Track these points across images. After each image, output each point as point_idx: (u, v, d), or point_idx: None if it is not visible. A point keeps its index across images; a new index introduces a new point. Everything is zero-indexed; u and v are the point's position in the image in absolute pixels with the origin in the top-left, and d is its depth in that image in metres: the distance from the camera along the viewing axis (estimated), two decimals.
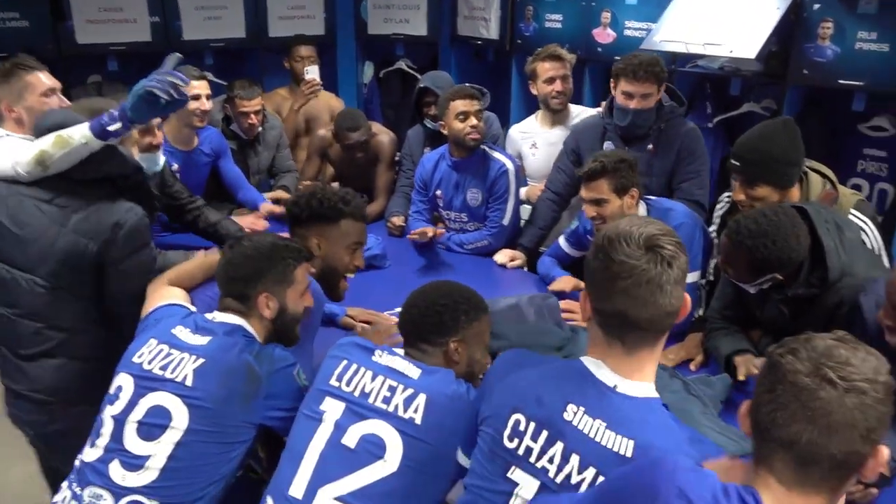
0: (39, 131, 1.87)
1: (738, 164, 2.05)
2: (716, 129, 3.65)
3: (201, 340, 1.62)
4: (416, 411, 1.45)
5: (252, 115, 3.33)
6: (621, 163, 2.28)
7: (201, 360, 1.58)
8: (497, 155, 2.96)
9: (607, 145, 2.77)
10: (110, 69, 4.05)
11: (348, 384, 1.52)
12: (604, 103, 2.87)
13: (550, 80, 3.09)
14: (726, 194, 2.33)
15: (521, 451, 1.22)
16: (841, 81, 2.97)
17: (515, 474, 1.22)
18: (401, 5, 4.76)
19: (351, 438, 1.46)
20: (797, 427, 0.93)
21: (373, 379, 1.52)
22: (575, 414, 1.19)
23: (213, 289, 1.82)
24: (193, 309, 1.77)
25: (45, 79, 2.17)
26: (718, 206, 2.42)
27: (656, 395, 1.21)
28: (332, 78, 4.69)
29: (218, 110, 3.41)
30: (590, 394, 1.20)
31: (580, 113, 3.21)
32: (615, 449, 1.14)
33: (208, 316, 1.70)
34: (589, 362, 1.23)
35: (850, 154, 3.32)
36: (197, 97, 2.94)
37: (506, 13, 4.35)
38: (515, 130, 3.34)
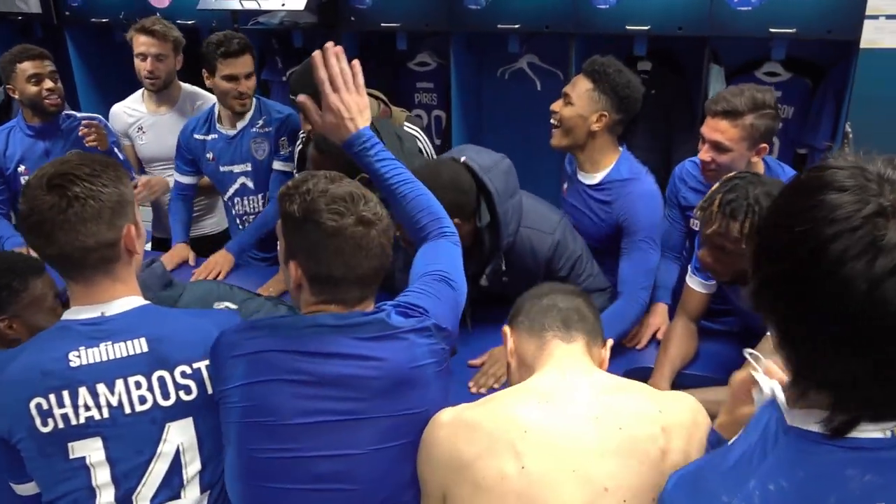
0: None
1: (295, 97, 2.21)
2: (289, 83, 3.84)
3: None
4: None
5: None
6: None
7: None
8: (83, 115, 2.76)
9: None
10: None
11: None
12: None
13: (142, 57, 2.72)
14: (302, 131, 2.51)
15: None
16: (383, 24, 3.37)
17: None
18: None
19: None
20: None
21: None
22: (77, 357, 1.24)
23: None
24: None
25: None
26: (296, 144, 2.59)
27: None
28: None
29: None
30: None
31: (197, 95, 2.92)
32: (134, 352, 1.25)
33: None
34: (71, 314, 1.29)
35: (406, 89, 3.79)
36: None
37: None
38: (119, 108, 2.94)
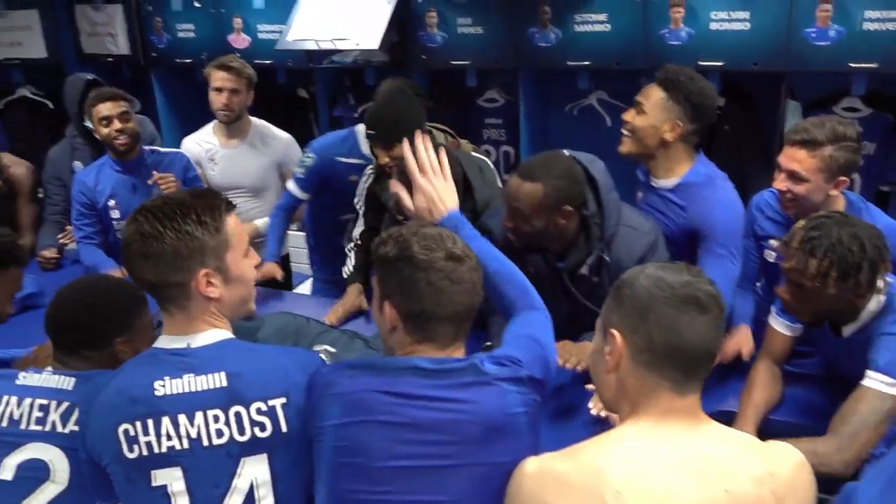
0: None
1: (373, 132, 2.28)
2: (362, 118, 3.93)
3: None
4: (75, 424, 1.40)
5: None
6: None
7: None
8: (167, 150, 2.91)
9: None
10: None
11: None
12: None
13: (218, 91, 2.88)
14: (370, 167, 2.57)
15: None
16: (452, 62, 3.44)
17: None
18: (8, 27, 4.30)
19: (7, 472, 1.38)
20: None
21: (19, 404, 1.43)
22: (163, 386, 1.27)
23: None
24: None
25: None
26: (363, 180, 2.65)
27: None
28: None
29: None
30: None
31: (267, 130, 3.06)
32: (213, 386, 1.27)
33: None
34: (161, 343, 1.33)
35: (474, 125, 3.83)
36: None
37: (133, 26, 4.18)
38: (190, 140, 3.11)
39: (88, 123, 2.78)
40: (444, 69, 3.50)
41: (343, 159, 2.72)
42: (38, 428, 1.40)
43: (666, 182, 2.08)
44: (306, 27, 3.51)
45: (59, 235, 3.02)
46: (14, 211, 3.08)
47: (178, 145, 3.22)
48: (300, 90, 4.16)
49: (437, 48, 3.43)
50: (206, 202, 1.31)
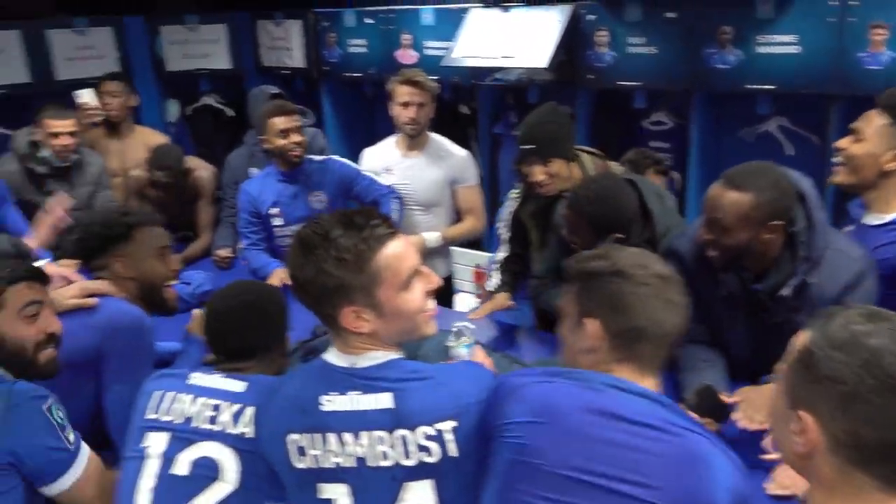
0: None
1: (532, 146, 2.25)
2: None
3: None
4: (246, 425, 1.43)
5: (64, 136, 3.08)
6: None
7: None
8: (336, 158, 3.03)
9: None
10: None
11: (168, 413, 1.47)
12: None
13: (404, 105, 2.90)
14: (513, 191, 2.53)
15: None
16: (620, 83, 3.33)
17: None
18: (198, 40, 4.65)
19: (182, 467, 1.42)
20: None
21: (193, 402, 1.47)
22: (329, 401, 1.27)
23: None
24: None
25: None
26: (508, 203, 2.61)
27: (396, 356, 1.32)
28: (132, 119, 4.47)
29: (24, 144, 3.14)
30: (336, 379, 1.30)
31: (444, 145, 3.05)
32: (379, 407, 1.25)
33: None
34: (330, 357, 1.32)
35: (638, 148, 3.68)
36: None
37: (308, 41, 4.39)
38: (371, 150, 3.15)
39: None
40: (612, 89, 3.40)
41: None
42: (210, 427, 1.44)
43: (879, 218, 1.89)
44: (473, 44, 3.53)
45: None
46: (195, 211, 3.30)
47: (341, 153, 3.33)
48: (461, 106, 4.19)
49: (606, 68, 3.34)
50: (352, 237, 1.24)
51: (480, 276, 2.85)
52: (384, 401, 1.25)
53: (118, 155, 3.64)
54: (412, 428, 1.24)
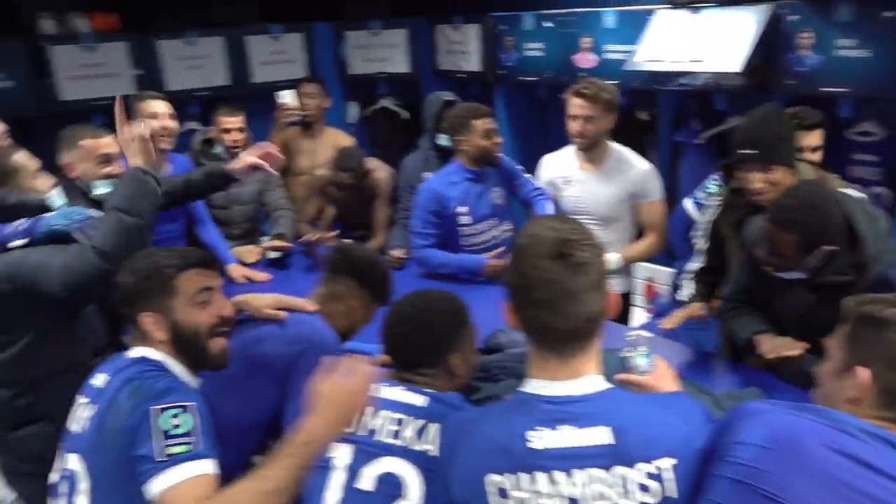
0: None
1: (754, 150, 2.06)
2: (706, 145, 3.69)
3: (99, 381, 1.48)
4: (429, 442, 1.39)
5: (233, 132, 3.29)
6: None
7: (94, 407, 1.44)
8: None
9: None
10: (97, 124, 4.01)
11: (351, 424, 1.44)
12: None
13: (573, 118, 2.79)
14: (704, 191, 2.39)
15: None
16: (824, 89, 3.03)
17: None
18: (379, 44, 4.81)
19: (366, 481, 1.40)
20: None
21: (375, 414, 1.45)
22: (539, 438, 1.15)
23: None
24: None
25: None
26: (706, 213, 2.44)
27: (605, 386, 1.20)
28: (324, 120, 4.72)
29: (199, 142, 3.40)
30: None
31: (626, 158, 2.92)
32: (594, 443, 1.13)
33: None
34: (533, 388, 1.20)
35: (838, 159, 3.35)
36: (154, 115, 2.90)
37: (486, 45, 4.40)
38: (550, 158, 3.11)
39: (443, 139, 2.97)
40: (813, 95, 3.10)
41: None
42: (393, 441, 1.42)
43: None
44: (659, 47, 3.37)
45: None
46: (372, 211, 3.40)
47: (515, 160, 3.29)
48: (639, 112, 4.02)
49: (808, 72, 3.04)
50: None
51: (651, 291, 2.72)
52: (603, 435, 1.14)
53: (309, 154, 3.84)
54: (631, 464, 1.13)
